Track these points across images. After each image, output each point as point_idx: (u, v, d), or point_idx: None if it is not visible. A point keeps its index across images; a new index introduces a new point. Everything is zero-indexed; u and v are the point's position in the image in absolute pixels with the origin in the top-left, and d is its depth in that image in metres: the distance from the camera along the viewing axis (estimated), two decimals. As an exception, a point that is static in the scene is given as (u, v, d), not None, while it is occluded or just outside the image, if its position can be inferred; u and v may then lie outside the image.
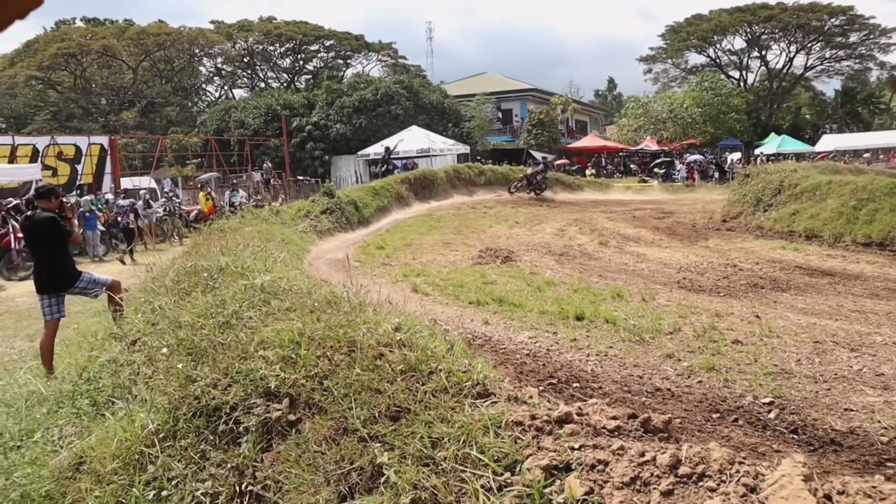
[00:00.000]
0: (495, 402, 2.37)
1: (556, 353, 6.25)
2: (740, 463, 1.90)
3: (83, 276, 7.64)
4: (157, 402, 2.86)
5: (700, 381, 5.36)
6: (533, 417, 2.22)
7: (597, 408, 2.36)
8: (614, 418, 2.26)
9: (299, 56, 64.54)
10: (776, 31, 61.36)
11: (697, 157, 40.78)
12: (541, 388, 5.02)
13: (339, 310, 3.31)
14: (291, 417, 2.55)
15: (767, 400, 4.88)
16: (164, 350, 3.32)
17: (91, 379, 4.20)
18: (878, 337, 6.74)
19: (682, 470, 1.88)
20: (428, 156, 34.31)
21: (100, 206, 21.22)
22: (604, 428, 2.21)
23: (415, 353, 2.67)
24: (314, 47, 64.09)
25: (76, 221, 15.47)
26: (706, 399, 4.93)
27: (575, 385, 5.20)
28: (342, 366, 2.69)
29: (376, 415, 2.40)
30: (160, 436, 2.79)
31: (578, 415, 2.31)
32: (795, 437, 4.31)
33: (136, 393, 3.36)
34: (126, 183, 27.80)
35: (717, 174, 37.22)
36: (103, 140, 27.18)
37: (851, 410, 4.73)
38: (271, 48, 63.12)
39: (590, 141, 50.32)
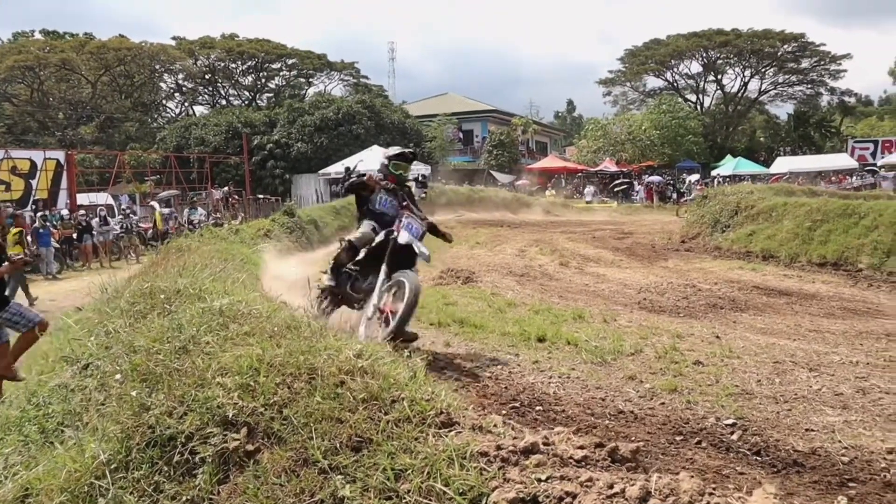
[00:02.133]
0: (460, 432, 2.32)
1: (518, 375, 6.21)
2: (710, 494, 1.88)
3: (11, 306, 7.34)
4: (109, 431, 2.74)
5: (663, 403, 5.36)
6: (498, 448, 2.17)
7: (563, 436, 2.32)
8: (581, 447, 2.23)
9: (261, 74, 64.29)
10: (731, 56, 62.99)
11: (656, 178, 41.41)
12: (504, 411, 4.98)
13: (300, 335, 3.23)
14: (250, 447, 2.46)
15: (730, 421, 4.89)
16: (118, 376, 3.20)
17: (40, 405, 4.04)
18: (835, 356, 6.84)
19: (652, 503, 1.84)
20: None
21: (54, 223, 20.77)
22: (571, 458, 2.17)
23: (377, 381, 2.61)
24: (276, 65, 63.93)
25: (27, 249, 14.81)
26: (669, 421, 4.93)
27: (538, 408, 5.16)
28: (302, 394, 2.62)
29: (337, 445, 2.33)
30: (112, 467, 2.67)
31: (545, 444, 2.26)
32: (759, 458, 4.31)
33: (87, 420, 3.23)
34: (83, 199, 27.27)
35: (675, 195, 37.81)
36: (59, 155, 26.64)
37: (812, 431, 4.77)
38: (233, 65, 62.77)
39: (550, 162, 50.84)
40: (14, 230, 15.39)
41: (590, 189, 42.08)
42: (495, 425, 2.41)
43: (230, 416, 2.59)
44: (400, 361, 2.98)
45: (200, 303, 3.92)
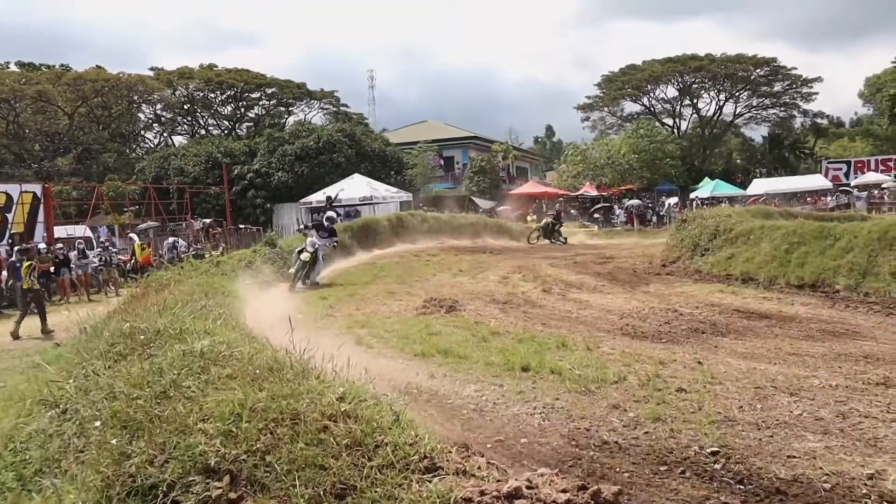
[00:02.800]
0: (443, 477, 2.31)
1: (503, 406, 6.21)
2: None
3: None
4: (89, 481, 2.71)
5: (646, 432, 5.37)
6: (482, 493, 2.17)
7: (546, 479, 2.32)
8: (564, 491, 2.23)
9: (240, 103, 64.38)
10: (706, 80, 64.14)
11: (635, 201, 41.75)
12: (489, 444, 4.97)
13: (283, 377, 3.22)
14: (232, 496, 2.44)
15: (713, 450, 4.91)
16: (97, 423, 3.16)
17: (17, 450, 3.98)
18: (815, 380, 6.90)
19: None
20: (371, 203, 34.33)
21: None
22: (554, 502, 2.17)
23: (360, 426, 2.60)
24: (255, 95, 64.08)
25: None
26: (653, 451, 4.94)
27: (523, 440, 5.16)
28: (285, 440, 2.60)
29: (321, 493, 2.31)
30: (91, 517, 2.64)
31: (528, 488, 2.27)
32: (742, 487, 4.34)
33: (66, 468, 3.19)
34: (60, 232, 27.00)
35: (654, 218, 38.12)
36: (36, 188, 26.37)
37: (794, 457, 4.80)
38: (212, 95, 62.82)
39: (530, 187, 51.08)
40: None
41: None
42: (479, 468, 2.41)
43: (212, 463, 2.57)
44: (383, 403, 2.97)
45: (181, 344, 3.89)
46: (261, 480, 2.49)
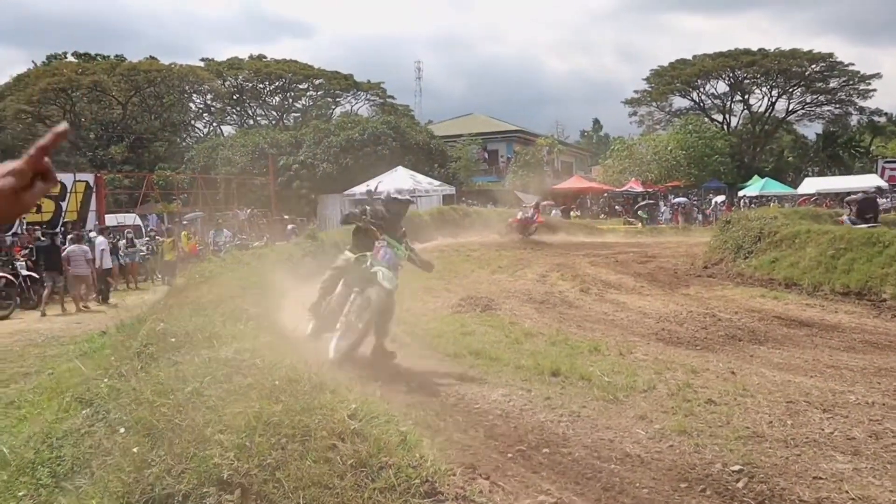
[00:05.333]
0: (442, 502, 2.36)
1: (529, 412, 6.22)
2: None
3: None
4: (111, 487, 2.83)
5: (671, 446, 5.34)
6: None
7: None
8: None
9: (288, 94, 65.13)
10: (758, 76, 62.73)
11: (682, 199, 41.17)
12: (510, 454, 5.00)
13: (300, 389, 3.30)
14: (242, 510, 2.53)
15: (737, 468, 4.87)
16: (122, 429, 3.29)
17: (53, 446, 4.15)
18: (851, 396, 6.76)
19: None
20: (414, 196, 34.43)
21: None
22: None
23: (366, 446, 2.66)
24: (303, 86, 64.76)
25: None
26: (675, 466, 4.92)
27: (545, 450, 5.17)
28: (295, 456, 2.68)
29: (324, 513, 2.38)
30: (111, 523, 2.75)
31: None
32: (763, 508, 4.30)
33: (94, 469, 3.32)
34: (111, 220, 27.75)
35: (700, 216, 37.56)
36: (89, 177, 27.17)
37: (820, 479, 4.73)
38: (261, 86, 63.70)
39: (575, 182, 50.74)
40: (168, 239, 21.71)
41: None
42: (480, 492, 2.45)
43: (225, 476, 2.66)
44: (394, 422, 3.03)
45: (208, 350, 4.01)
46: (269, 496, 2.57)
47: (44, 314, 16.66)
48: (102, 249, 19.31)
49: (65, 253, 18.13)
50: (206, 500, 2.62)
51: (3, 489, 3.91)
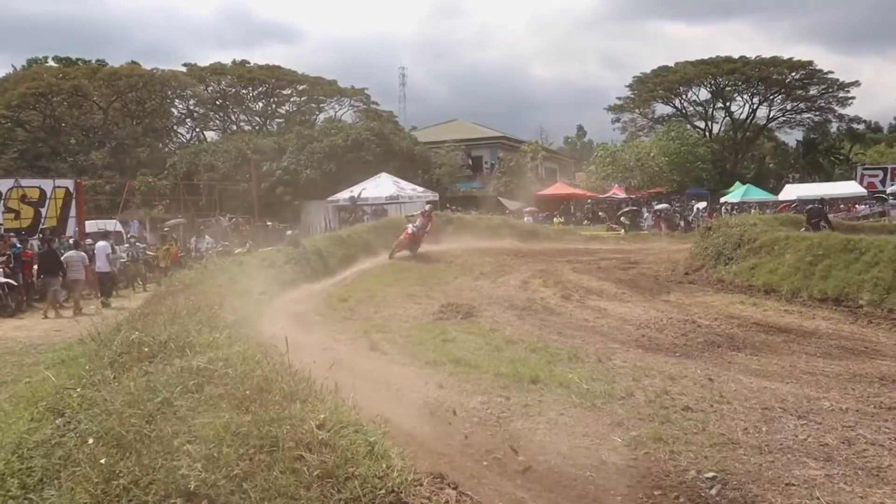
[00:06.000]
0: (407, 514, 2.36)
1: (506, 420, 6.24)
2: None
3: None
4: (78, 499, 2.81)
5: (646, 453, 5.37)
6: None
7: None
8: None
9: (272, 100, 64.97)
10: (739, 83, 63.39)
11: (663, 205, 41.38)
12: (485, 462, 5.01)
13: (270, 399, 3.29)
14: (208, 522, 2.52)
15: (710, 475, 4.90)
16: (90, 440, 3.27)
17: (24, 457, 4.10)
18: (825, 402, 6.83)
19: None
20: (397, 202, 34.43)
21: (63, 251, 20.93)
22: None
23: (334, 457, 2.66)
24: (287, 91, 64.58)
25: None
26: (650, 474, 4.95)
27: (520, 459, 5.18)
28: (262, 467, 2.68)
29: (289, 525, 2.38)
30: (78, 536, 2.73)
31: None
32: (736, 514, 4.33)
33: (62, 481, 3.29)
34: (91, 226, 27.52)
35: (682, 223, 37.78)
36: (69, 183, 26.94)
37: (793, 485, 4.77)
38: (244, 91, 63.49)
39: (558, 189, 50.84)
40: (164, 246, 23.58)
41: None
42: (447, 502, 2.45)
43: (192, 487, 2.65)
44: (362, 432, 3.03)
45: (181, 359, 3.99)
46: (236, 508, 2.56)
47: (45, 316, 17.21)
48: (107, 254, 19.81)
49: (63, 258, 18.54)
50: (173, 512, 2.61)
51: (-29, 501, 3.87)
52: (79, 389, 4.51)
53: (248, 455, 2.76)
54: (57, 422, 4.26)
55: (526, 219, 39.75)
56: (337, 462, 2.65)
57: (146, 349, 4.44)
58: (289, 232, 30.22)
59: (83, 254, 19.06)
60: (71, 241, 20.77)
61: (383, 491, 2.48)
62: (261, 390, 3.42)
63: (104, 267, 19.60)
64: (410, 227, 21.80)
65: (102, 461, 2.95)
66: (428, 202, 27.76)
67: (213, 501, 2.59)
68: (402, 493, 2.48)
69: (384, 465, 2.69)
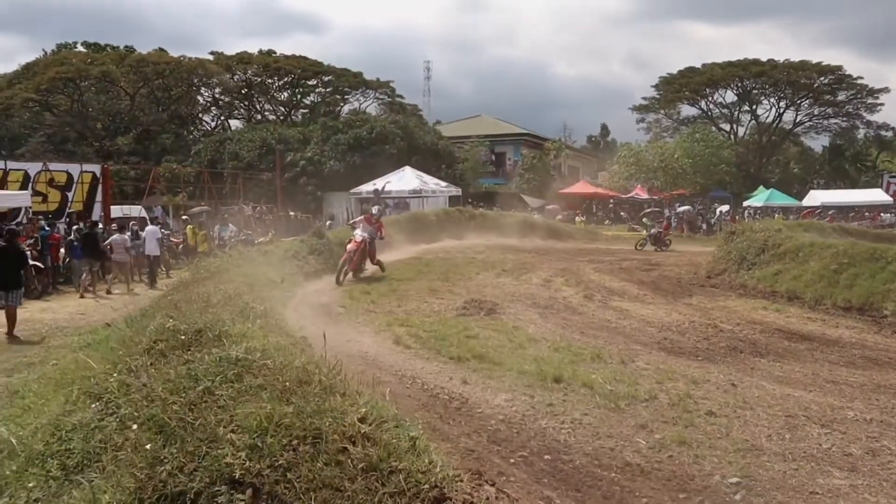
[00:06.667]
0: (450, 509, 2.42)
1: (531, 419, 6.29)
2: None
3: None
4: (123, 482, 2.89)
5: (670, 456, 5.40)
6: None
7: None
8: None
9: (297, 90, 65.18)
10: (767, 86, 62.77)
11: (685, 207, 41.16)
12: (512, 460, 5.07)
13: (310, 391, 3.36)
14: (253, 509, 2.59)
15: (735, 480, 4.93)
16: (135, 426, 3.36)
17: (62, 439, 4.21)
18: (849, 412, 6.82)
19: None
20: (420, 196, 34.51)
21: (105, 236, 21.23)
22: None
23: (377, 450, 2.73)
24: (312, 82, 64.75)
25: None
26: (675, 477, 4.98)
27: (546, 457, 5.23)
28: (306, 458, 2.74)
29: (335, 515, 2.44)
30: (123, 520, 2.81)
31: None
32: (760, 521, 4.35)
33: (105, 464, 3.38)
34: (116, 211, 27.85)
35: (704, 226, 37.57)
36: (96, 168, 27.25)
37: (817, 494, 4.79)
38: (269, 81, 63.75)
39: (581, 187, 50.74)
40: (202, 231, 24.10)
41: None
42: (487, 499, 2.51)
43: (237, 475, 2.72)
44: (402, 426, 3.09)
45: (218, 349, 4.07)
46: (281, 496, 2.63)
47: (82, 296, 17.78)
48: (157, 238, 20.64)
49: (108, 241, 19.38)
50: (218, 499, 2.68)
51: (13, 479, 3.97)
52: (115, 375, 4.60)
53: (292, 446, 2.83)
54: (94, 406, 4.36)
55: (558, 217, 39.87)
56: (380, 456, 2.71)
57: (182, 337, 4.53)
58: (328, 222, 30.72)
59: (126, 237, 19.86)
60: (114, 225, 21.61)
61: (427, 486, 2.54)
62: (300, 382, 3.49)
63: (154, 250, 20.44)
64: (359, 234, 16.73)
65: (147, 447, 3.04)
66: (375, 205, 21.40)
67: (258, 490, 2.66)
68: (444, 488, 2.54)
69: (426, 461, 2.75)
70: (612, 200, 49.37)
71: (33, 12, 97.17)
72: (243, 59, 62.20)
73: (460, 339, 9.94)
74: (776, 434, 6.00)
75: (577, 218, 42.51)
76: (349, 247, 16.38)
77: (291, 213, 37.40)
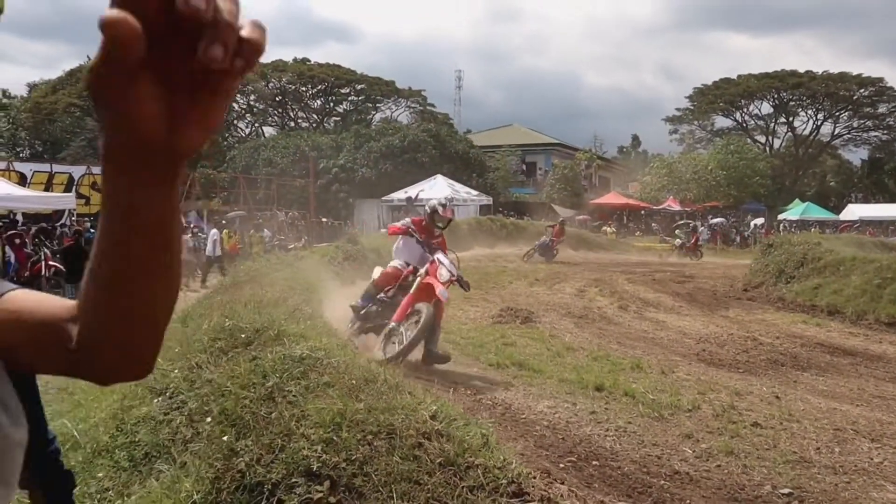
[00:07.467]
0: (529, 502, 2.48)
1: (575, 425, 6.31)
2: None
3: None
4: (202, 473, 2.99)
5: (718, 466, 5.40)
6: (566, 524, 2.33)
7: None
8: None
9: (330, 98, 65.82)
10: (804, 98, 62.05)
11: (719, 219, 40.83)
12: (561, 465, 5.10)
13: (378, 389, 3.44)
14: (332, 500, 2.66)
15: (786, 491, 4.91)
16: (209, 419, 3.46)
17: (128, 432, 4.33)
18: (898, 427, 6.74)
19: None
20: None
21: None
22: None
23: (452, 446, 2.79)
24: (345, 90, 65.36)
25: None
26: (724, 486, 4.97)
27: (595, 463, 5.26)
28: (382, 452, 2.82)
29: (416, 507, 2.51)
30: (203, 507, 2.90)
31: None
32: (813, 532, 4.34)
33: (175, 456, 3.48)
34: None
35: (738, 238, 37.24)
36: (136, 172, 27.74)
37: (870, 507, 4.76)
38: (303, 89, 64.46)
39: (612, 198, 50.54)
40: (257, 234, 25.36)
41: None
42: (562, 496, 2.56)
43: (314, 468, 2.80)
44: (472, 424, 3.15)
45: (280, 347, 4.17)
46: (359, 489, 2.70)
47: None
48: (214, 240, 21.47)
49: None
50: (296, 490, 2.76)
51: (80, 469, 4.10)
52: (177, 371, 4.72)
53: (367, 440, 2.91)
54: (157, 400, 4.48)
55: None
56: (456, 451, 2.77)
57: (243, 335, 4.64)
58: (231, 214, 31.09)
59: (187, 237, 20.50)
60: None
61: (504, 481, 2.60)
62: (367, 380, 3.57)
63: (215, 252, 21.33)
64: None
65: (224, 439, 3.13)
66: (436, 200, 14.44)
67: (336, 482, 2.73)
68: (521, 483, 2.59)
69: (501, 457, 2.81)
70: (643, 212, 49.10)
71: (76, 20, 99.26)
72: (278, 66, 62.96)
73: (498, 346, 9.99)
74: (825, 447, 5.96)
75: (606, 229, 42.33)
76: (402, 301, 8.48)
77: (324, 220, 37.72)
